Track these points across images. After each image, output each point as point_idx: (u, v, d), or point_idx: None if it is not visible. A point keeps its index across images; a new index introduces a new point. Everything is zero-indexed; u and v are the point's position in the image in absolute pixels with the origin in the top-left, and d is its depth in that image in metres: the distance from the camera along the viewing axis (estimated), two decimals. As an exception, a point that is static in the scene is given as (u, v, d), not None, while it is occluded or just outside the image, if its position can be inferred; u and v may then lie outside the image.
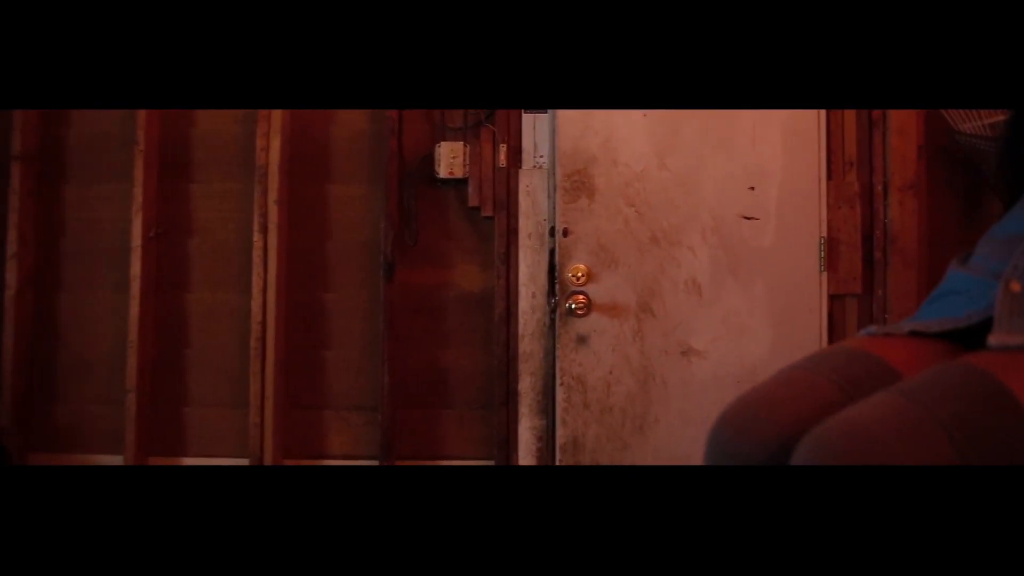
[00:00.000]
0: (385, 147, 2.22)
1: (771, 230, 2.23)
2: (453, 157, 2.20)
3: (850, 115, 2.27)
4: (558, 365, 2.17)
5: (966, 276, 1.00)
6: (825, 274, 2.24)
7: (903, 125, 2.25)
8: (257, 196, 2.28)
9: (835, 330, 2.25)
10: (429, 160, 2.23)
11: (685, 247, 2.21)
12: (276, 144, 2.28)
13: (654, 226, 2.19)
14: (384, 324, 2.21)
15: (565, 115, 2.15)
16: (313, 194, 2.32)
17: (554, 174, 2.20)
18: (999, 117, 2.23)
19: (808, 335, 2.23)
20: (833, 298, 2.26)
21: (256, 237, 2.27)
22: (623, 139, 2.17)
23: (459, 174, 2.21)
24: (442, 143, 2.21)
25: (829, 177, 2.25)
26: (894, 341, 0.97)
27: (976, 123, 2.26)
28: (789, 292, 2.23)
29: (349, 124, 2.33)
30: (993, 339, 0.83)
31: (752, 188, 2.22)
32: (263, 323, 2.26)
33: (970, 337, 0.92)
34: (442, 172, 2.21)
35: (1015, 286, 0.89)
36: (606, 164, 2.17)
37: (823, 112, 2.24)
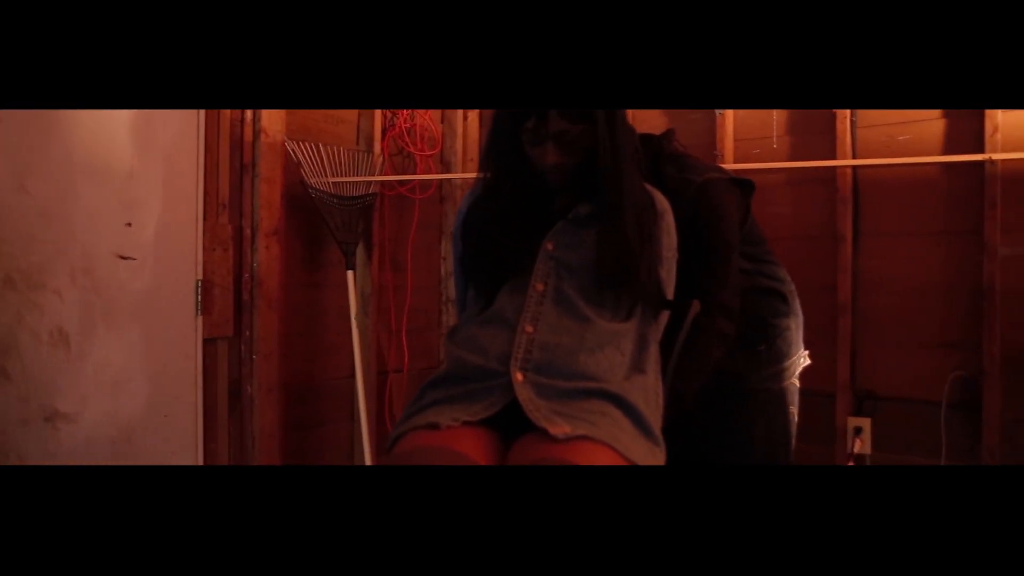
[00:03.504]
0: None
1: (149, 271, 2.04)
2: None
3: (224, 157, 2.25)
4: None
5: (475, 367, 1.20)
6: (201, 318, 2.17)
7: (270, 173, 2.36)
8: None
9: (208, 375, 2.21)
10: None
11: (50, 290, 1.83)
12: None
13: (10, 265, 1.75)
14: None
15: None
16: None
17: None
18: (343, 178, 2.56)
19: (185, 384, 2.13)
20: (207, 342, 2.20)
21: None
22: (-30, 151, 1.66)
23: None
24: None
25: (204, 218, 2.19)
26: (457, 433, 1.10)
27: (321, 179, 2.54)
28: (166, 339, 2.09)
29: None
30: (556, 432, 1.07)
31: (129, 224, 1.99)
32: None
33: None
34: None
35: (519, 377, 1.15)
36: (-56, 181, 1.62)
37: (202, 150, 2.16)
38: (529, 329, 1.20)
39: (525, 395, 1.14)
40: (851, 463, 2.29)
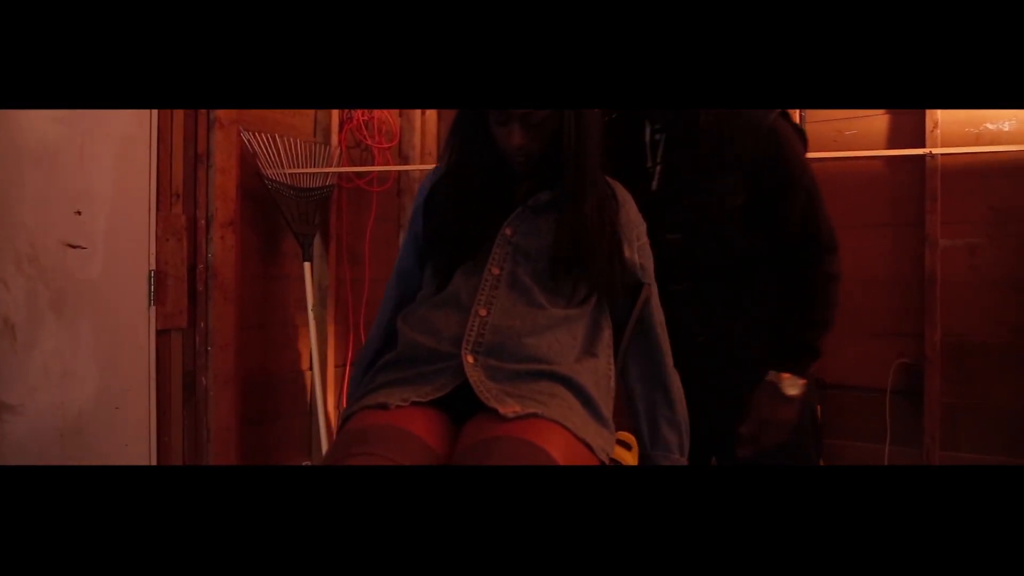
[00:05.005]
0: None
1: (99, 261, 2.00)
2: None
3: (178, 146, 2.22)
4: None
5: (427, 349, 1.20)
6: (154, 308, 2.14)
7: (225, 163, 2.33)
8: None
9: (162, 366, 2.18)
10: None
11: (-4, 279, 1.79)
12: None
13: (-46, 252, 1.70)
14: None
15: None
16: None
17: None
18: (300, 170, 2.55)
19: (137, 375, 2.10)
20: (160, 333, 2.17)
21: None
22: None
23: None
24: None
25: (158, 208, 2.16)
26: (406, 412, 1.10)
27: (278, 170, 2.52)
28: (117, 329, 2.05)
29: None
30: (506, 411, 1.07)
31: (79, 213, 1.95)
32: None
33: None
34: None
35: (470, 359, 1.15)
36: None
37: (155, 139, 2.13)
38: (482, 312, 1.21)
39: (476, 377, 1.15)
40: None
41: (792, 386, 1.45)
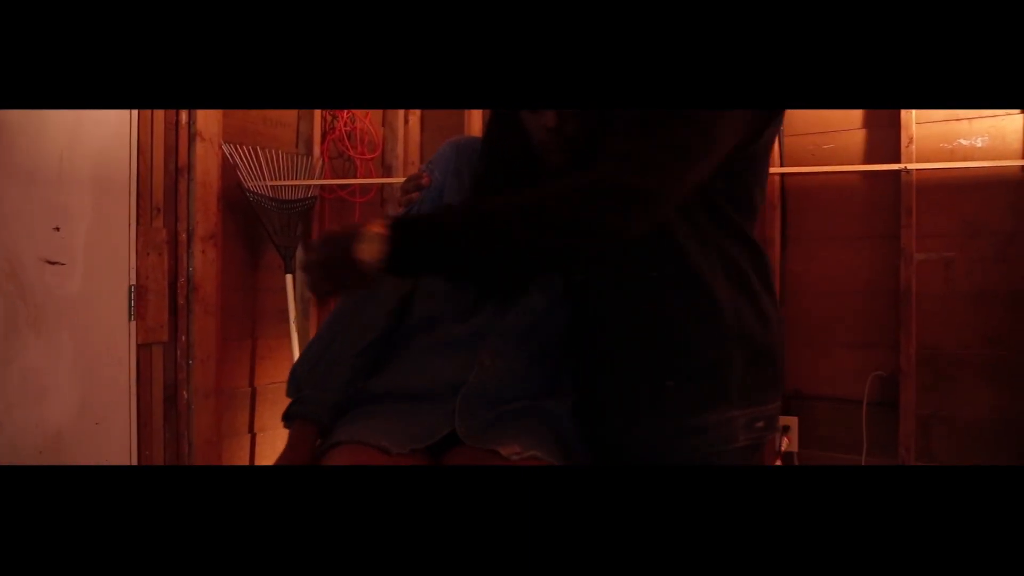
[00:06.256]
0: None
1: (79, 276, 2.00)
2: None
3: (159, 159, 2.22)
4: None
5: (423, 388, 1.18)
6: (134, 323, 2.14)
7: (206, 176, 2.34)
8: None
9: (143, 381, 2.18)
10: None
11: (-27, 297, 1.78)
12: None
13: (-69, 271, 1.70)
14: None
15: None
16: None
17: None
18: (282, 182, 2.55)
19: (117, 389, 2.10)
20: (141, 347, 2.17)
21: None
22: None
23: None
24: None
25: (138, 222, 2.15)
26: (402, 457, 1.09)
27: (259, 182, 2.52)
28: (97, 344, 2.05)
29: None
30: (507, 452, 1.07)
31: (57, 229, 1.95)
32: None
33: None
34: None
35: (464, 405, 1.14)
36: None
37: (134, 152, 2.13)
38: (486, 361, 1.18)
39: (465, 427, 1.13)
40: (779, 461, 2.38)
41: (369, 245, 0.88)
